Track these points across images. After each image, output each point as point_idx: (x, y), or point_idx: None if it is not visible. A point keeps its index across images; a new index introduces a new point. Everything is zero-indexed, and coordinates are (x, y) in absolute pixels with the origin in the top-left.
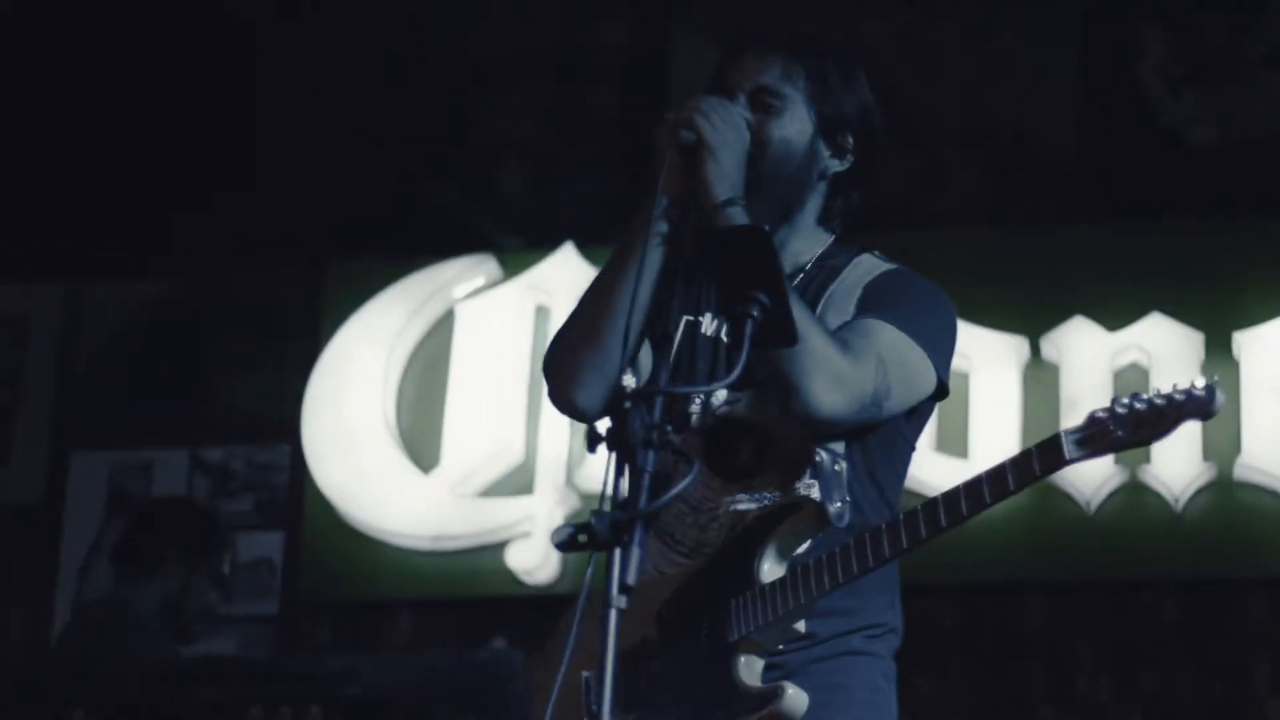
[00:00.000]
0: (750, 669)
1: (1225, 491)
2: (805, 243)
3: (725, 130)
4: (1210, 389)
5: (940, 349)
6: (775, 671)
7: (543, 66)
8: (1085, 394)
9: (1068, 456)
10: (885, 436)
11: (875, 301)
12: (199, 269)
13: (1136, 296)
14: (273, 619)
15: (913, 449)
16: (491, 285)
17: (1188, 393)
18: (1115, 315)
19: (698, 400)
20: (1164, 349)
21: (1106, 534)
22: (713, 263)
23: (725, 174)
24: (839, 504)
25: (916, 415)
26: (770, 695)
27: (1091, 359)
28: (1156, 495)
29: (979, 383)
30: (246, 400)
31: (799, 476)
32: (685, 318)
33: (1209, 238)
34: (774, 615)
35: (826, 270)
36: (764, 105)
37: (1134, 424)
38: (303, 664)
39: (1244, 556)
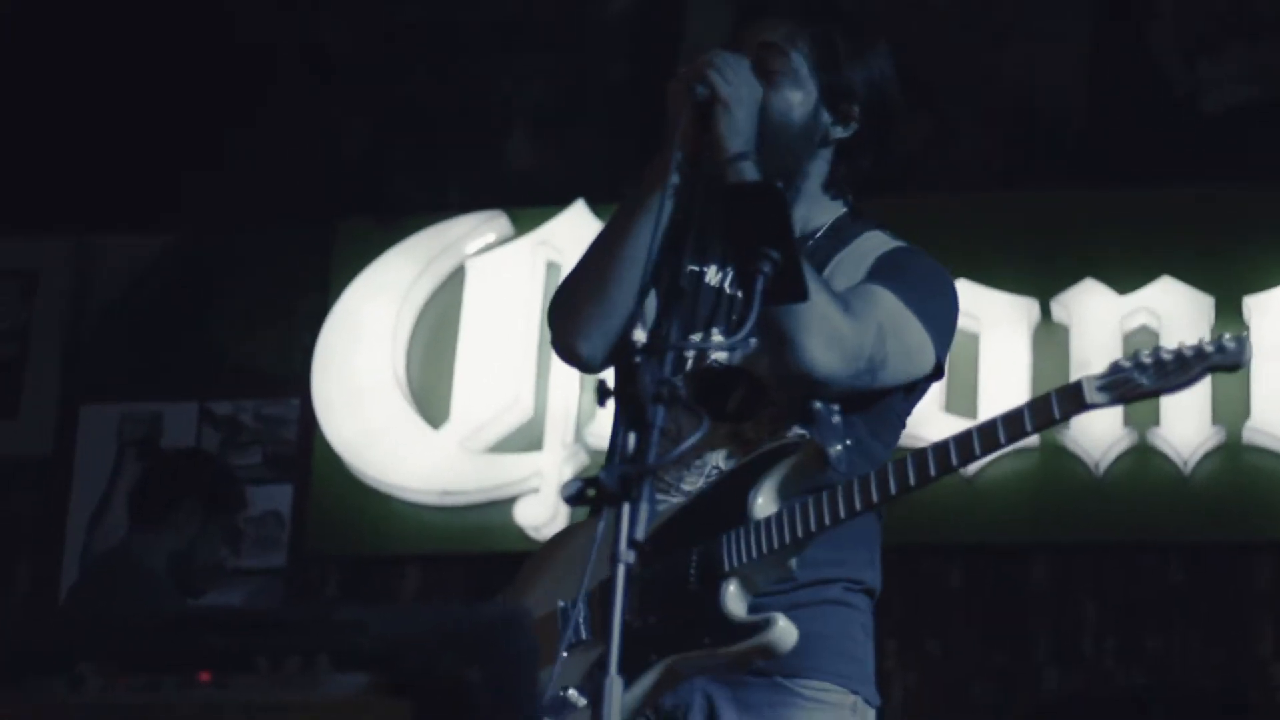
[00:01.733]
0: (738, 601)
1: (1234, 455)
2: (813, 209)
3: (739, 85)
4: (1240, 340)
5: (941, 329)
6: (754, 612)
7: (555, 29)
8: (1095, 356)
9: (1088, 400)
10: (879, 410)
11: (885, 273)
12: (210, 223)
13: (1147, 260)
14: (281, 572)
15: (903, 426)
16: (502, 241)
17: (1218, 344)
18: (1126, 278)
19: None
20: (1174, 312)
21: (1114, 496)
22: (724, 217)
23: (739, 128)
24: (839, 448)
25: (913, 393)
26: (760, 626)
27: (1101, 321)
28: (1165, 458)
29: (989, 344)
30: (256, 353)
31: (791, 424)
32: (690, 268)
33: (1220, 202)
34: (768, 549)
35: (837, 239)
36: (766, 68)
37: (1158, 372)
38: (310, 614)
39: (1251, 520)
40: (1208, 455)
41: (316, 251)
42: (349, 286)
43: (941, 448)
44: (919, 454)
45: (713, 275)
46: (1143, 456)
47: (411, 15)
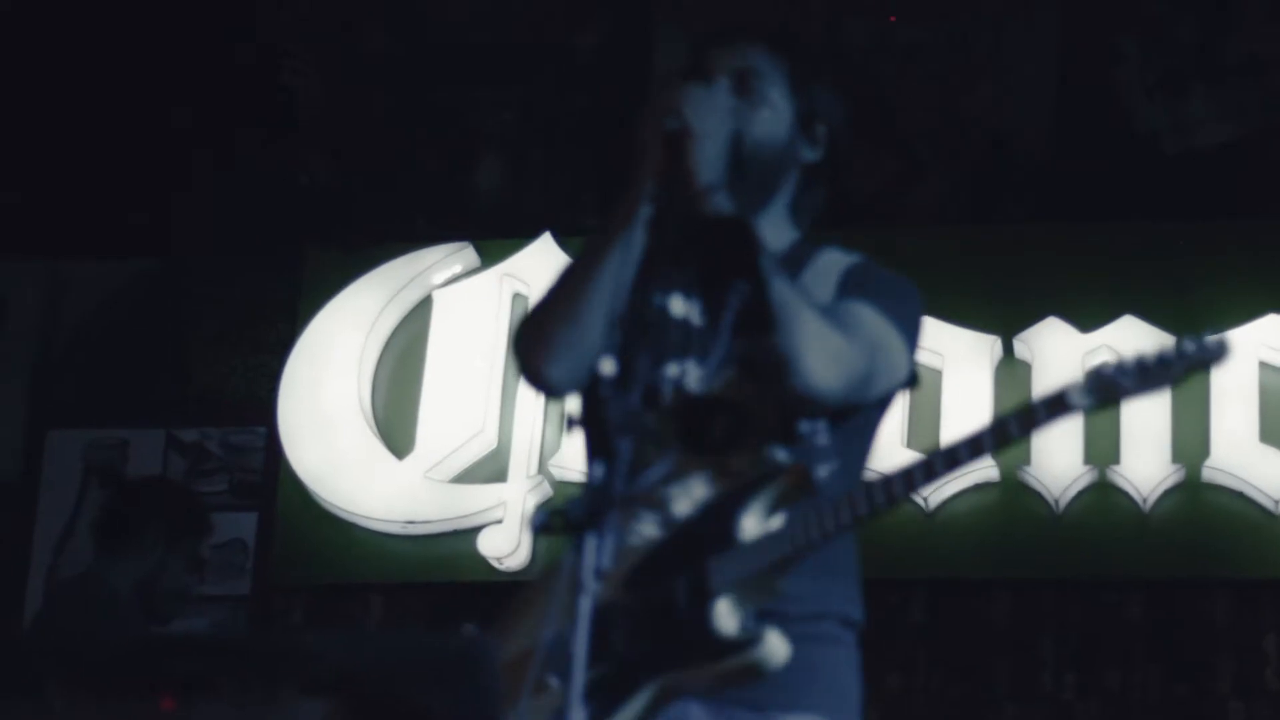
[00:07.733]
0: (728, 617)
1: (1193, 493)
2: (775, 232)
3: (710, 117)
4: (1220, 339)
5: (914, 338)
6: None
7: (524, 62)
8: None
9: (1073, 403)
10: (857, 423)
11: (857, 288)
12: (178, 250)
13: (1109, 298)
14: (245, 600)
15: (873, 442)
16: (469, 273)
17: (1199, 342)
18: (1088, 316)
19: (670, 380)
20: (1136, 350)
21: (1074, 533)
22: (694, 250)
23: (709, 161)
24: (825, 470)
25: (886, 404)
26: (750, 641)
27: (1064, 359)
28: (1125, 495)
29: (951, 381)
30: (223, 381)
31: (773, 447)
32: (656, 300)
33: (1182, 241)
34: (755, 569)
35: (794, 263)
36: (747, 88)
37: (1140, 374)
38: (275, 641)
39: (1210, 558)
40: (1167, 493)
41: (285, 280)
42: (316, 315)
43: (928, 458)
44: (904, 468)
45: (678, 307)
46: (1103, 493)
47: (379, 44)
